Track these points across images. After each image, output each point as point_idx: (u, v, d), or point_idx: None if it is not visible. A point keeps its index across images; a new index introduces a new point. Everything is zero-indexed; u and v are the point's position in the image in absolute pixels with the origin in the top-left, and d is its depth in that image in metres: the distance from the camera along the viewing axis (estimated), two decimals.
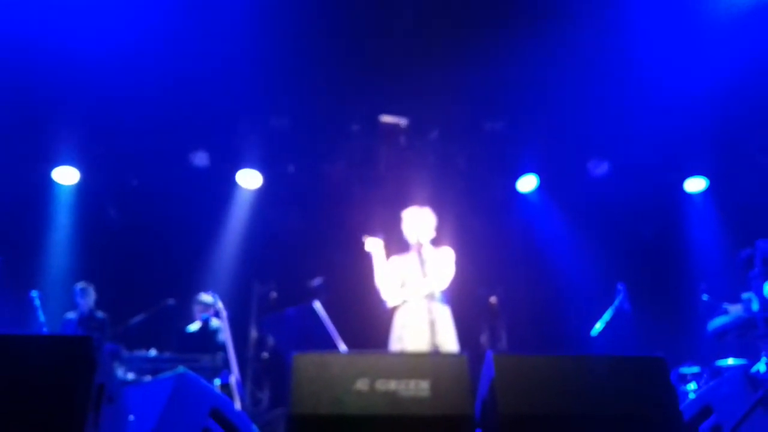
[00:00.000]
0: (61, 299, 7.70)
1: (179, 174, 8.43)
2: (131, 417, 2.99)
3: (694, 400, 3.71)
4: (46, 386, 2.36)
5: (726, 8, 6.51)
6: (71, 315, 7.42)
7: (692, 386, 5.88)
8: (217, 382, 5.94)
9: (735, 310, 5.58)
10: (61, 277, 8.27)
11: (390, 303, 5.19)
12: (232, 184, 8.79)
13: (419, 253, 5.10)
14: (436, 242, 5.33)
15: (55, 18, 6.43)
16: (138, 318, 6.83)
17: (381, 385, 2.64)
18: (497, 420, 2.64)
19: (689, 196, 8.97)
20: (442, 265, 5.13)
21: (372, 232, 5.28)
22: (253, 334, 8.64)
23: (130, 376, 6.26)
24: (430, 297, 4.93)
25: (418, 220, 5.29)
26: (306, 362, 2.68)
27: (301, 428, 2.58)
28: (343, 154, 8.57)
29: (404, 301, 5.13)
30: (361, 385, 2.63)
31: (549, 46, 6.71)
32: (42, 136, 8.03)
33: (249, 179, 8.78)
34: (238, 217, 8.93)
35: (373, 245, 5.23)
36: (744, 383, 3.39)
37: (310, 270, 6.82)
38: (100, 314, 7.43)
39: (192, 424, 3.26)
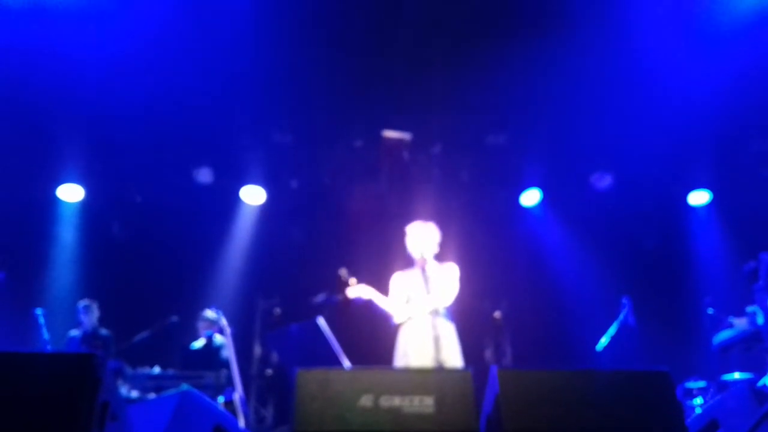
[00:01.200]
0: (66, 317, 7.69)
1: (183, 190, 8.46)
2: None
3: (700, 415, 3.69)
4: (50, 404, 2.35)
5: (727, 22, 6.53)
6: (75, 332, 7.42)
7: (698, 401, 5.84)
8: (221, 399, 5.92)
9: (740, 323, 5.57)
10: (66, 295, 8.28)
11: (397, 320, 5.17)
12: (236, 200, 8.81)
13: (423, 269, 5.08)
14: (440, 257, 5.32)
15: (59, 36, 6.47)
16: (142, 335, 6.82)
17: (385, 401, 2.63)
18: None
19: (693, 209, 8.95)
20: (447, 281, 5.11)
21: (344, 280, 5.17)
22: (257, 350, 8.62)
23: (134, 393, 6.24)
24: (435, 313, 4.91)
25: (423, 236, 5.28)
26: (309, 379, 2.67)
27: None
28: (347, 169, 8.58)
29: (409, 318, 5.11)
30: (365, 401, 2.63)
31: (551, 60, 6.74)
32: (47, 154, 8.06)
33: (253, 195, 8.80)
34: (241, 233, 8.94)
35: (363, 291, 5.16)
36: (750, 397, 3.37)
37: (314, 286, 6.81)
38: (103, 331, 7.42)
39: None
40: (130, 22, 6.48)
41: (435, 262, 5.21)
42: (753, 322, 5.33)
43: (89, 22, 6.44)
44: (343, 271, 5.16)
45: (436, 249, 5.28)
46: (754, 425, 3.17)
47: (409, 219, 5.49)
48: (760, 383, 4.99)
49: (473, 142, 8.39)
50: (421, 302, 5.03)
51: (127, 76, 6.92)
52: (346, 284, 5.13)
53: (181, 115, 7.38)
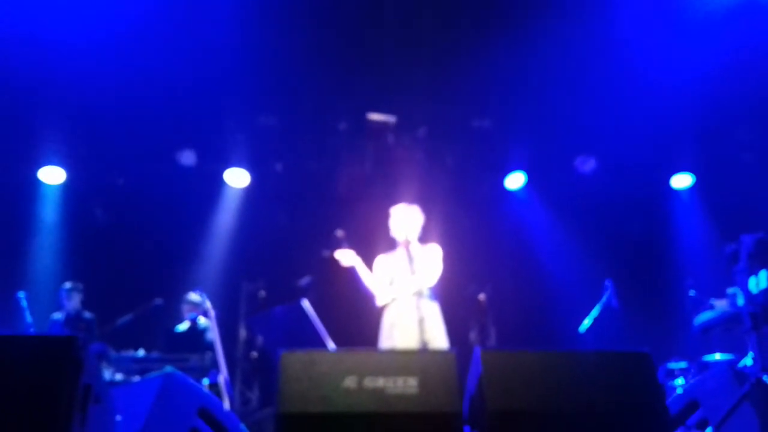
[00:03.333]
0: (48, 300, 7.65)
1: (166, 173, 8.39)
2: (118, 417, 2.98)
3: (680, 395, 3.74)
4: (32, 386, 2.34)
5: (711, 8, 6.55)
6: (58, 315, 7.37)
7: (680, 381, 5.91)
8: (206, 381, 5.92)
9: (721, 305, 5.62)
10: (48, 278, 8.22)
11: (380, 302, 5.19)
12: (219, 182, 8.76)
13: (407, 251, 5.10)
14: (424, 240, 5.34)
15: (39, 16, 6.38)
16: (126, 318, 6.79)
17: (369, 382, 2.64)
18: (485, 416, 2.65)
19: (676, 192, 9.02)
20: (430, 262, 5.13)
21: (337, 245, 5.21)
22: (242, 333, 8.63)
23: (119, 376, 6.23)
24: (419, 294, 4.93)
25: (406, 218, 5.29)
26: (294, 360, 2.67)
27: (289, 427, 2.57)
28: (331, 152, 8.56)
29: (393, 299, 5.13)
30: (350, 382, 2.64)
31: (536, 44, 6.73)
32: (28, 136, 7.98)
33: (237, 178, 8.75)
34: (226, 216, 8.89)
35: (349, 257, 5.18)
36: (730, 378, 3.41)
37: (299, 268, 6.81)
38: (87, 315, 7.38)
39: (180, 424, 3.25)
40: (112, 4, 6.40)
41: (419, 244, 5.22)
42: (733, 303, 5.38)
43: (70, 3, 6.35)
44: (339, 232, 5.19)
45: (419, 230, 5.29)
46: (734, 405, 3.22)
47: (393, 202, 5.49)
48: (741, 364, 5.05)
49: (458, 125, 8.39)
50: (406, 283, 5.05)
51: (110, 58, 6.83)
52: (338, 245, 5.15)
53: (165, 97, 7.31)
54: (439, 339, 4.92)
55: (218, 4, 6.49)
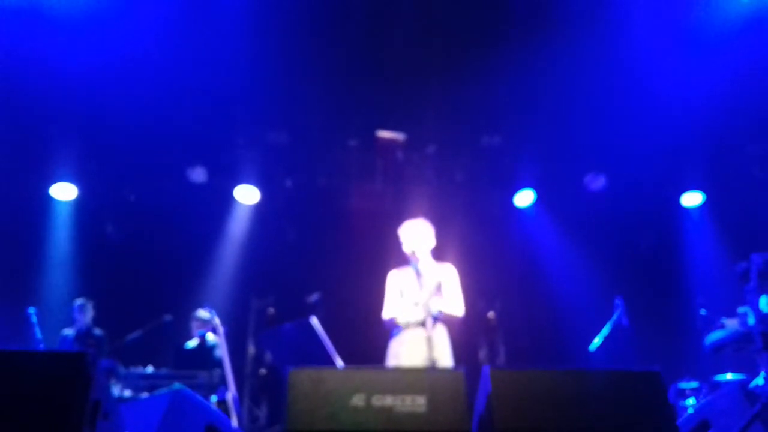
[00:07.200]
0: (59, 316, 7.68)
1: (177, 189, 8.44)
2: None
3: (691, 415, 3.71)
4: (42, 402, 2.35)
5: (720, 24, 6.57)
6: (68, 331, 7.40)
7: (691, 401, 5.86)
8: (214, 398, 5.90)
9: (732, 324, 5.58)
10: (59, 294, 8.26)
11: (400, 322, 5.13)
12: (230, 199, 8.80)
13: (416, 267, 5.09)
14: (439, 257, 5.33)
15: (52, 36, 6.46)
16: (135, 334, 6.80)
17: (377, 400, 2.63)
18: None
19: (686, 210, 8.98)
20: (451, 290, 5.09)
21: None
22: (251, 350, 8.61)
23: (127, 393, 6.23)
24: (428, 312, 4.90)
25: (414, 232, 5.28)
26: (302, 378, 2.67)
27: None
28: (341, 169, 8.58)
29: (407, 324, 5.07)
30: (358, 400, 2.63)
31: (546, 62, 6.76)
32: (40, 152, 8.05)
33: (247, 194, 8.79)
34: (235, 233, 8.92)
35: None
36: (741, 398, 3.38)
37: (308, 285, 6.81)
38: (97, 331, 7.41)
39: None
40: (125, 20, 6.49)
41: (431, 260, 5.21)
42: (744, 323, 5.35)
43: (82, 23, 6.43)
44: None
45: (431, 244, 5.27)
46: (745, 426, 3.19)
47: (403, 219, 5.49)
48: (752, 384, 5.00)
49: (468, 142, 8.42)
50: (417, 305, 4.99)
51: (122, 76, 6.91)
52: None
53: (176, 114, 7.38)
54: (445, 358, 4.90)
55: (229, 22, 6.56)
